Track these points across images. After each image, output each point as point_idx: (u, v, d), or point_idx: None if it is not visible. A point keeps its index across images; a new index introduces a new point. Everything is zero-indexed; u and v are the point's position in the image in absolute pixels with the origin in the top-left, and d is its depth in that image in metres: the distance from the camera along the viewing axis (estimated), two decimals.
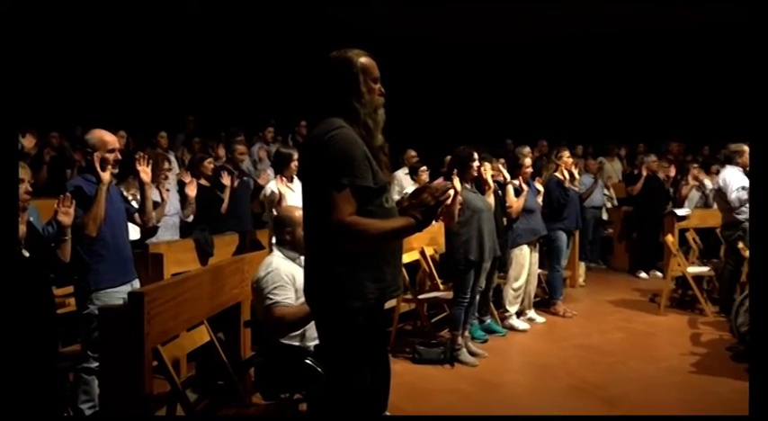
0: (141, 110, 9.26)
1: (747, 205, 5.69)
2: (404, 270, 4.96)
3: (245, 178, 5.96)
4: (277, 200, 4.69)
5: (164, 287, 2.93)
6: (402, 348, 4.95)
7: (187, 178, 5.29)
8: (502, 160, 6.01)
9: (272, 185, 4.86)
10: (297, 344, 3.08)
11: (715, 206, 6.54)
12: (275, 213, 4.12)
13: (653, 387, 4.20)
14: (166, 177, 4.85)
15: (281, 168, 4.95)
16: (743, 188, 5.68)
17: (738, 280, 5.78)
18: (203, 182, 5.48)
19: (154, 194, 3.99)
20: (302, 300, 2.91)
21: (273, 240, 3.39)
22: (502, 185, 5.54)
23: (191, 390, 3.13)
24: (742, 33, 10.68)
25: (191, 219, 5.22)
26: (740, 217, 5.71)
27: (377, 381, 2.25)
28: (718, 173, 6.64)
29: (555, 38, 10.57)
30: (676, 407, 3.86)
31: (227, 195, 5.49)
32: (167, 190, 4.69)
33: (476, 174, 4.83)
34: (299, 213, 3.19)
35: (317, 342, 2.80)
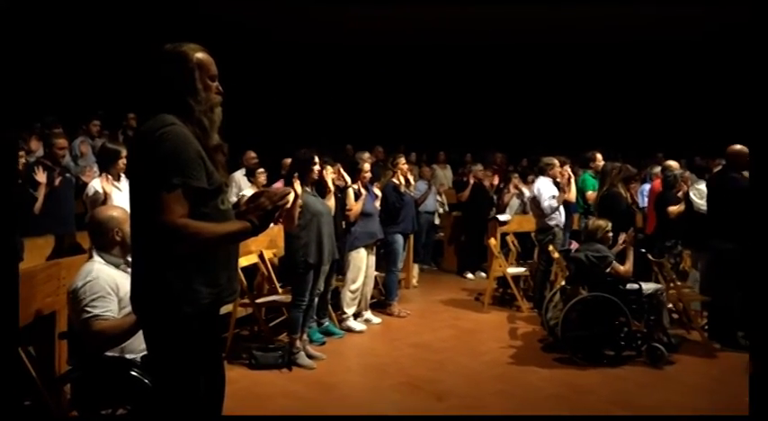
0: None
1: (557, 212, 6.39)
2: (241, 274, 4.84)
3: (67, 175, 5.42)
4: (102, 200, 4.33)
5: None
6: (238, 354, 4.83)
7: None
8: (340, 164, 6.12)
9: (96, 184, 4.48)
10: (119, 355, 2.85)
11: (531, 212, 7.24)
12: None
13: (477, 379, 4.53)
14: None
15: (106, 165, 4.58)
16: (553, 197, 6.36)
17: (548, 278, 6.44)
18: None
19: None
20: (126, 309, 2.71)
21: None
22: (342, 189, 5.64)
23: None
24: (562, 60, 12.03)
25: None
26: (551, 222, 6.38)
27: (211, 391, 2.17)
28: (533, 182, 7.36)
29: (393, 46, 11.00)
30: (496, 396, 4.20)
31: (41, 194, 4.95)
32: None
33: (316, 177, 4.86)
34: (117, 213, 2.97)
35: (143, 353, 2.62)
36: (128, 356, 2.84)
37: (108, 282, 2.80)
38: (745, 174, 5.64)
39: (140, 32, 7.95)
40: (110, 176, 4.49)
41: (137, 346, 2.81)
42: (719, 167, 5.89)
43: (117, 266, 2.90)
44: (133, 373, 2.73)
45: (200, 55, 2.09)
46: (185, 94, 2.04)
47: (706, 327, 5.53)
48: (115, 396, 2.82)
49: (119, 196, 4.31)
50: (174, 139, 1.93)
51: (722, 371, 4.70)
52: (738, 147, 5.39)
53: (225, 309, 4.66)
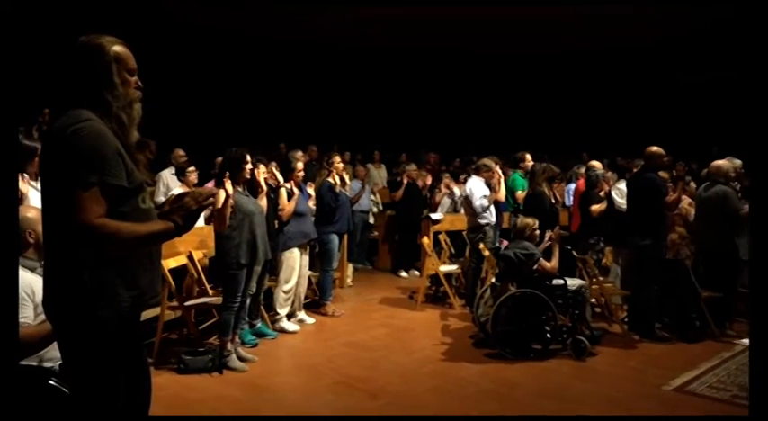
0: None
1: (488, 211, 6.55)
2: (170, 276, 4.70)
3: None
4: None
5: None
6: (167, 359, 4.68)
7: None
8: (274, 163, 6.04)
9: None
10: (37, 363, 2.71)
11: (462, 211, 7.39)
12: None
13: (410, 377, 4.58)
14: None
15: (22, 164, 4.33)
16: (484, 196, 6.52)
17: (479, 276, 6.59)
18: None
19: None
20: (43, 316, 2.58)
21: None
22: (274, 188, 5.57)
23: None
24: (493, 66, 12.32)
25: None
26: (482, 221, 6.53)
27: (134, 398, 2.09)
28: (465, 182, 7.52)
29: (328, 46, 10.94)
30: (429, 392, 4.27)
31: None
32: None
33: (248, 176, 4.78)
34: (30, 213, 2.81)
35: (60, 361, 2.50)
36: (46, 365, 2.70)
37: (23, 287, 2.64)
38: (662, 173, 5.97)
39: (54, 22, 7.52)
40: (26, 175, 4.24)
41: (56, 354, 2.67)
42: (639, 167, 6.20)
43: (32, 270, 2.75)
44: (51, 382, 2.60)
45: (117, 48, 2.00)
46: (102, 89, 1.95)
47: (626, 320, 5.82)
48: (32, 407, 2.67)
49: (36, 197, 4.08)
50: (90, 136, 1.84)
51: (641, 362, 4.96)
52: (655, 148, 5.70)
53: (152, 312, 4.53)
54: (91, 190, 1.81)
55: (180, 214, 1.97)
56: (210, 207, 4.28)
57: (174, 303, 4.86)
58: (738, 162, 6.20)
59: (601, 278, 6.03)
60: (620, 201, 6.22)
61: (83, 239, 1.83)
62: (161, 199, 6.47)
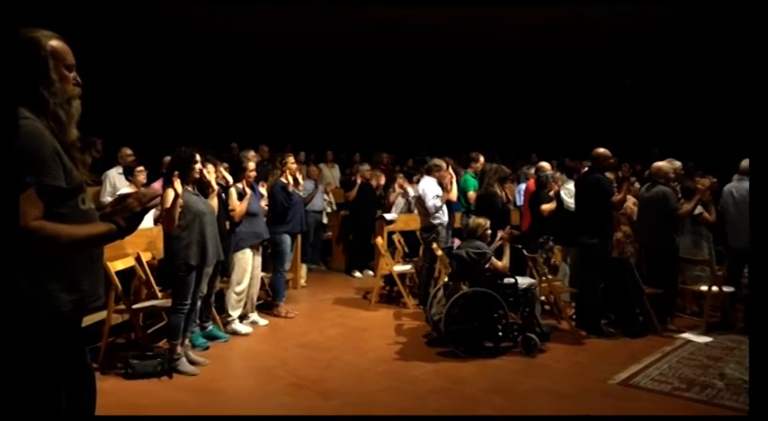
0: None
1: (441, 211, 6.61)
2: (116, 278, 4.57)
3: None
4: None
5: None
6: (113, 364, 4.55)
7: None
8: (225, 164, 5.95)
9: None
10: None
11: (416, 211, 7.44)
12: None
13: (363, 377, 4.58)
14: None
15: None
16: (437, 196, 6.58)
17: (433, 275, 6.65)
18: None
19: None
20: None
21: None
22: (225, 188, 5.49)
23: None
24: (447, 69, 12.46)
25: None
26: (435, 221, 6.59)
27: (78, 405, 2.02)
28: (418, 182, 7.57)
29: (280, 46, 10.85)
30: (382, 392, 4.28)
31: None
32: None
33: (198, 176, 4.69)
34: None
35: None
36: None
37: None
38: (608, 174, 6.15)
39: None
40: None
41: None
42: (587, 169, 6.37)
43: None
44: None
45: (54, 42, 1.92)
46: (38, 86, 1.86)
47: (574, 317, 5.98)
48: None
49: None
50: (25, 134, 1.76)
51: (588, 357, 5.10)
52: (602, 150, 5.87)
53: (98, 315, 4.40)
54: (27, 191, 1.74)
55: (122, 216, 1.90)
56: (158, 207, 4.19)
57: (122, 306, 4.73)
58: (678, 163, 6.45)
59: (550, 276, 6.17)
60: (569, 200, 6.38)
61: (18, 242, 1.75)
62: (108, 199, 6.29)
